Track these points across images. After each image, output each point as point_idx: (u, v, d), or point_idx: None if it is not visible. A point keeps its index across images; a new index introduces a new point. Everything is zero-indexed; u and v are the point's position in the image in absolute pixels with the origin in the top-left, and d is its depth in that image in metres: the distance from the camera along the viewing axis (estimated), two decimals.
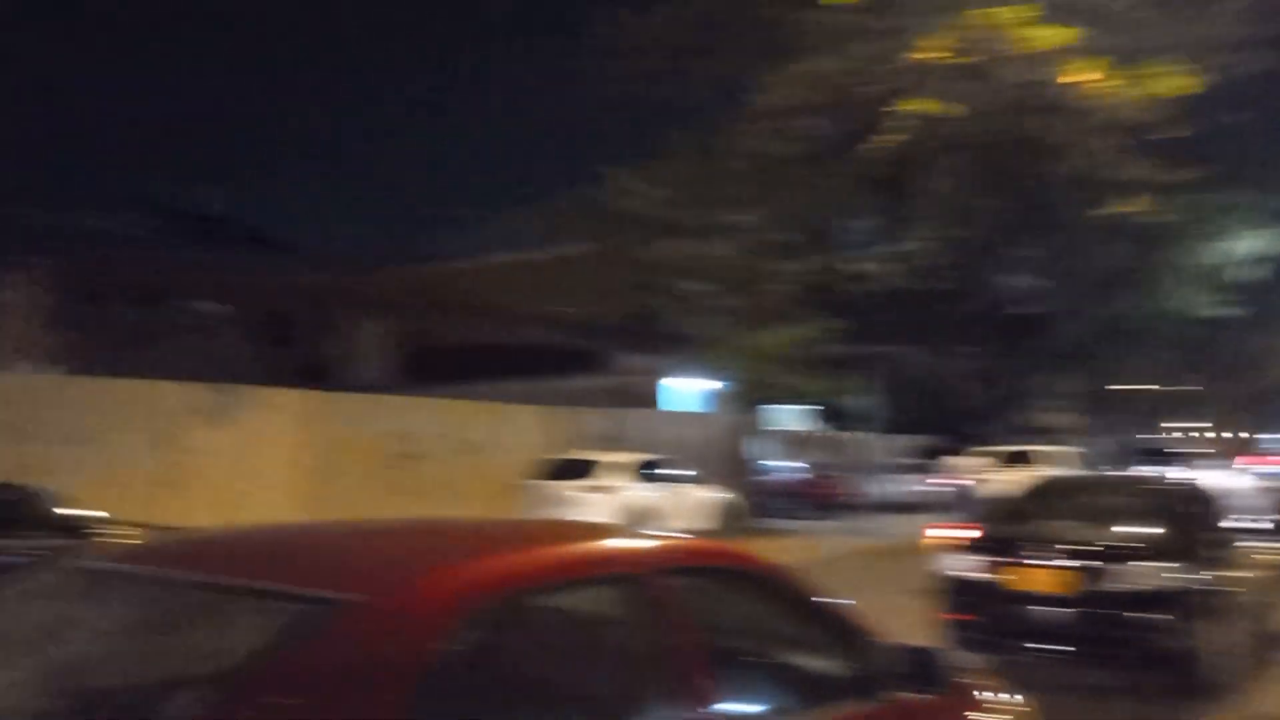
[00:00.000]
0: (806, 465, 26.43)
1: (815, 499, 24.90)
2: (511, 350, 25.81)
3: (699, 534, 14.61)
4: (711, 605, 2.76)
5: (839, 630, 2.94)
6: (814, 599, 2.94)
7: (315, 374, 24.18)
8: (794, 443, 27.54)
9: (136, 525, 9.70)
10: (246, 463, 14.69)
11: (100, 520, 9.66)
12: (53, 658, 2.29)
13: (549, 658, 2.49)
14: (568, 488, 16.44)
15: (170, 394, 14.36)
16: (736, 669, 2.64)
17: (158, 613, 2.37)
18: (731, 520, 18.25)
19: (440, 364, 26.09)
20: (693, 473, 18.47)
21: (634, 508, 16.14)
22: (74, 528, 9.31)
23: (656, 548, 2.81)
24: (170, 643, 2.41)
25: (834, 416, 29.55)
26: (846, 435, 29.11)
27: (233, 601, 2.23)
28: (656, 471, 17.58)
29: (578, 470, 16.90)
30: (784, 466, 25.71)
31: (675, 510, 17.01)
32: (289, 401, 15.91)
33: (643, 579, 2.49)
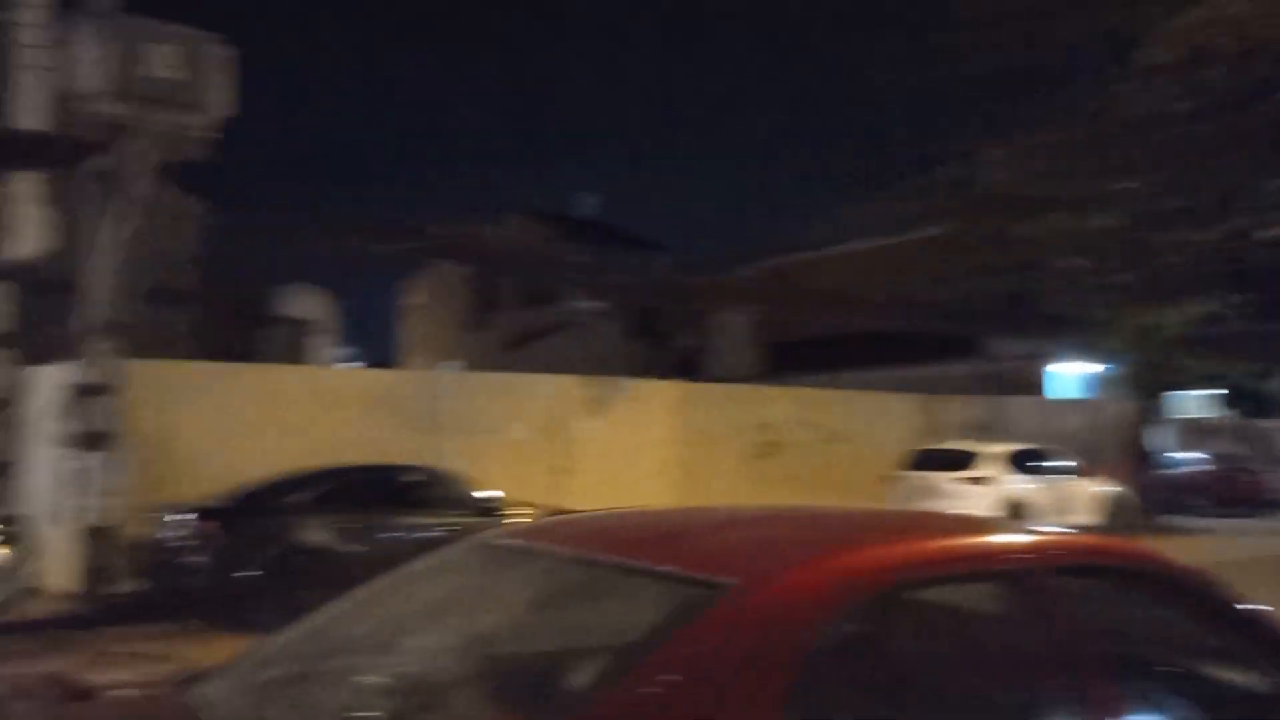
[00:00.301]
0: (1214, 456, 23.72)
1: (1225, 494, 22.30)
2: (878, 338, 25.36)
3: (1087, 529, 13.57)
4: (1110, 607, 2.54)
5: (1266, 641, 2.59)
6: (1233, 604, 2.61)
7: (684, 366, 25.20)
8: (1199, 432, 24.85)
9: (532, 506, 10.62)
10: (624, 450, 15.55)
11: (501, 501, 10.62)
12: (464, 625, 2.55)
13: (927, 654, 2.40)
14: (940, 478, 15.92)
15: (557, 387, 15.47)
16: (1141, 680, 2.40)
17: (552, 587, 2.56)
18: (1121, 515, 16.81)
19: (803, 353, 26.19)
20: (1075, 463, 17.22)
21: (1011, 500, 15.34)
22: (486, 508, 10.34)
23: (1045, 543, 2.62)
24: (562, 616, 2.60)
25: (1249, 402, 26.31)
26: (1266, 423, 25.82)
27: (619, 579, 2.36)
28: (1036, 463, 16.59)
29: (950, 460, 16.31)
30: (1187, 458, 23.26)
31: (1057, 504, 15.94)
32: (660, 392, 16.64)
33: (1030, 576, 2.33)
